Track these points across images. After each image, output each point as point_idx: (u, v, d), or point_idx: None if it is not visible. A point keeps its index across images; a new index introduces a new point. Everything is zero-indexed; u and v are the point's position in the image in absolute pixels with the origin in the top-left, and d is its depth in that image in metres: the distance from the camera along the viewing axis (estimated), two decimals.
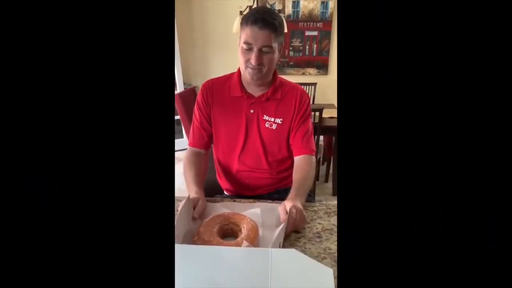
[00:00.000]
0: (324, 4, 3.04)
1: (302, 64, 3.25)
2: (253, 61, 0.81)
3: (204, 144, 0.97)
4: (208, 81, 0.95)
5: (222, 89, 0.93)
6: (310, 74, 3.26)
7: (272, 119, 0.91)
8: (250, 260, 0.51)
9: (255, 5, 2.04)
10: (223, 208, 0.80)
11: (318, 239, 0.68)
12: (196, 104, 0.96)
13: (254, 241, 0.64)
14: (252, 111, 0.91)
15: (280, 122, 0.91)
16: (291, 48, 3.18)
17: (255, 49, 0.81)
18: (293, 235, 0.69)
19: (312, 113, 1.98)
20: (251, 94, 0.91)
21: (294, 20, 3.05)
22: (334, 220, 0.75)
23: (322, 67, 3.24)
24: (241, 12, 2.12)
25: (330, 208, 0.80)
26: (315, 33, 3.12)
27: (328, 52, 3.17)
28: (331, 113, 2.36)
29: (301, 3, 3.04)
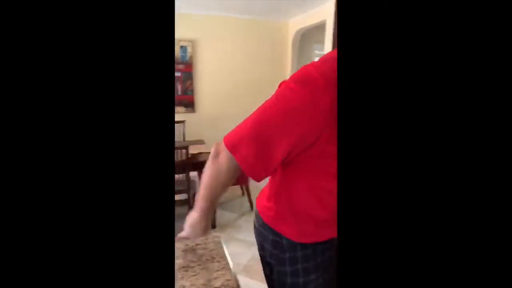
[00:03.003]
0: (183, 49, 3.25)
1: None
2: None
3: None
4: (328, 71, 0.51)
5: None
6: (178, 112, 3.32)
7: None
8: None
9: None
10: None
11: None
12: (313, 102, 0.52)
13: None
14: None
15: None
16: None
17: None
18: None
19: (179, 151, 2.00)
20: None
21: None
22: (191, 256, 0.76)
23: (189, 105, 3.37)
24: None
25: (187, 245, 0.81)
26: (178, 74, 3.25)
27: (192, 91, 3.35)
28: (200, 149, 2.45)
29: None
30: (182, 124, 3.10)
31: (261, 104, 0.64)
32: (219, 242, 0.82)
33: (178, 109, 3.29)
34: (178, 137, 3.10)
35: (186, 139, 3.09)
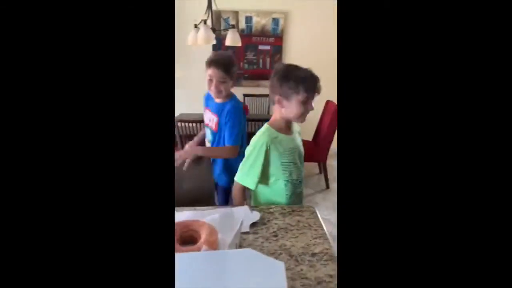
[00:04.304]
0: (276, 21, 3.23)
1: (256, 76, 3.38)
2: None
3: None
4: None
5: None
6: (264, 86, 3.40)
7: None
8: (208, 262, 0.53)
9: (209, 20, 2.09)
10: (183, 216, 0.81)
11: (274, 238, 0.72)
12: None
13: (214, 244, 0.66)
14: None
15: None
16: (245, 61, 3.29)
17: None
18: (251, 235, 0.73)
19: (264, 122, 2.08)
20: None
21: (247, 34, 3.19)
22: (288, 219, 0.81)
23: None
24: (195, 25, 2.14)
25: (284, 209, 0.86)
26: (267, 47, 3.29)
27: None
28: None
29: (254, 18, 3.19)
30: (267, 98, 3.19)
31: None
32: (314, 212, 0.85)
33: (264, 83, 3.37)
34: (262, 111, 3.21)
35: (270, 113, 3.18)
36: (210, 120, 1.28)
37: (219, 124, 1.24)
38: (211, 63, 1.16)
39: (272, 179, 0.94)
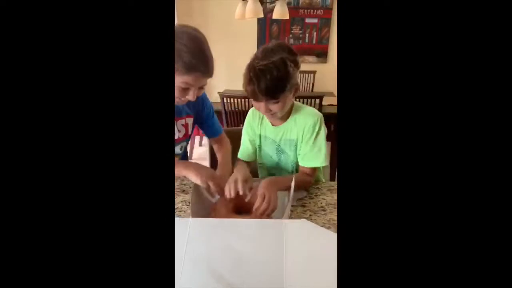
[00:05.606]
0: None
1: (301, 52, 3.26)
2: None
3: None
4: None
5: None
6: (309, 62, 3.28)
7: None
8: (266, 230, 0.57)
9: None
10: None
11: (322, 212, 0.74)
12: None
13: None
14: None
15: None
16: (291, 35, 3.18)
17: None
18: (299, 208, 0.75)
19: (312, 100, 2.02)
20: None
21: (294, 7, 3.05)
22: (336, 196, 0.81)
23: (322, 55, 3.25)
24: None
25: (332, 186, 0.86)
26: (315, 20, 3.12)
27: (328, 40, 3.18)
28: (330, 101, 2.41)
29: None
30: (312, 74, 3.08)
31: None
32: None
33: (309, 58, 3.24)
34: (306, 88, 3.12)
35: (314, 90, 3.08)
36: (180, 130, 0.96)
37: (194, 120, 1.01)
38: (192, 68, 0.72)
39: None
